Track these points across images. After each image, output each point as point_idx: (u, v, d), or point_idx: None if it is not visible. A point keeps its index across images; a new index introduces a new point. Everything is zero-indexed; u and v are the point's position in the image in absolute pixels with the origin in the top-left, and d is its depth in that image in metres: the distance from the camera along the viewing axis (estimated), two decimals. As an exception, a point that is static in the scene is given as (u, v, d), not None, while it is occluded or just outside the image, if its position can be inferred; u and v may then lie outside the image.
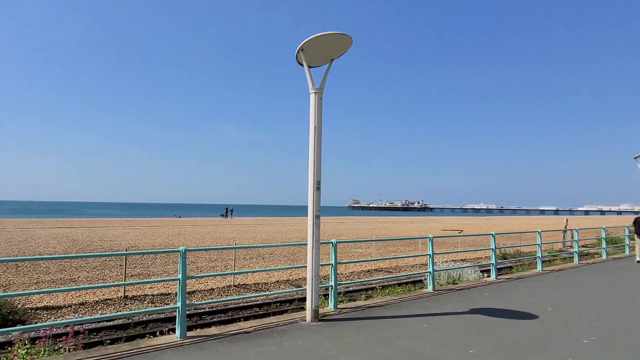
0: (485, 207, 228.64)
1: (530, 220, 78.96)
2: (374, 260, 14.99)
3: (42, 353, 5.29)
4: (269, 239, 27.44)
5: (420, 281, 13.75)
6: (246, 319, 9.79)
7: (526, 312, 6.76)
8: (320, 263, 6.33)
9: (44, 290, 8.83)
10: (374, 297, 8.96)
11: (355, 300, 8.75)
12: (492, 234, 10.56)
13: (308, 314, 6.16)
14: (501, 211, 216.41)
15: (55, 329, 7.58)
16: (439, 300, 7.74)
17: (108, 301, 11.21)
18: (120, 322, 9.61)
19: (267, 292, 8.78)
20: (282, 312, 10.58)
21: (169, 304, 11.55)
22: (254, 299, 11.84)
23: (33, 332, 7.33)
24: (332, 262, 7.09)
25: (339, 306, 7.11)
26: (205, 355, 4.69)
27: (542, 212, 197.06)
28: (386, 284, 13.80)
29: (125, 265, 12.72)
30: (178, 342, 5.12)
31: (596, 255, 17.08)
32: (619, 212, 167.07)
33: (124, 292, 11.71)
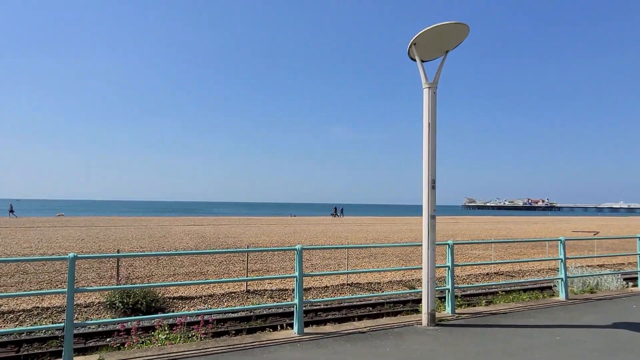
0: (627, 206, 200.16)
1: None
2: (494, 263, 14.02)
3: (178, 339, 5.87)
4: (380, 238, 27.32)
5: (549, 288, 12.49)
6: (360, 318, 9.82)
7: (689, 330, 5.71)
8: (436, 265, 6.07)
9: (179, 282, 9.82)
10: (496, 303, 8.35)
11: (474, 306, 8.24)
12: (638, 237, 9.17)
13: (424, 317, 5.94)
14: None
15: (188, 318, 8.40)
16: (573, 311, 6.92)
17: (232, 294, 12.10)
18: (243, 314, 10.32)
19: (381, 293, 8.71)
20: (395, 314, 10.40)
21: (286, 299, 12.09)
22: (366, 297, 11.85)
23: (171, 320, 8.19)
24: (449, 264, 6.76)
25: (457, 311, 6.75)
26: (321, 353, 4.77)
27: None
28: (508, 289, 12.81)
29: (247, 261, 13.63)
30: (296, 338, 5.29)
31: None
32: None
33: (246, 287, 12.55)
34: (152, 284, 6.42)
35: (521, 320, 6.31)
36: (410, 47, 5.84)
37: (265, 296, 12.16)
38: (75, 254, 4.57)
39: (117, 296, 10.24)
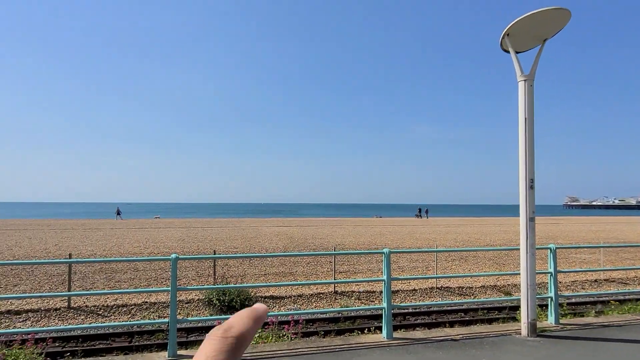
0: None
1: None
2: (603, 270, 12.67)
3: (270, 338, 6.08)
4: (470, 240, 26.05)
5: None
6: (451, 324, 9.44)
7: None
8: (537, 271, 5.62)
9: (269, 284, 10.19)
10: (608, 313, 7.53)
11: (582, 316, 7.51)
12: None
13: (523, 327, 5.53)
14: None
15: (279, 318, 8.66)
16: None
17: (321, 294, 12.28)
18: (331, 315, 10.42)
19: (473, 299, 8.27)
20: (490, 321, 9.82)
21: (373, 301, 12.00)
22: (457, 303, 11.35)
23: (263, 318, 8.50)
24: (551, 269, 6.24)
25: (561, 321, 6.19)
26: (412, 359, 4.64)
27: None
28: (622, 298, 11.50)
29: (335, 262, 13.76)
30: (385, 343, 5.21)
31: None
32: None
33: (334, 288, 12.67)
34: (245, 285, 6.73)
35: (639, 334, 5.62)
36: (503, 38, 5.49)
37: (352, 297, 12.18)
38: (177, 255, 4.93)
39: (214, 294, 10.92)
